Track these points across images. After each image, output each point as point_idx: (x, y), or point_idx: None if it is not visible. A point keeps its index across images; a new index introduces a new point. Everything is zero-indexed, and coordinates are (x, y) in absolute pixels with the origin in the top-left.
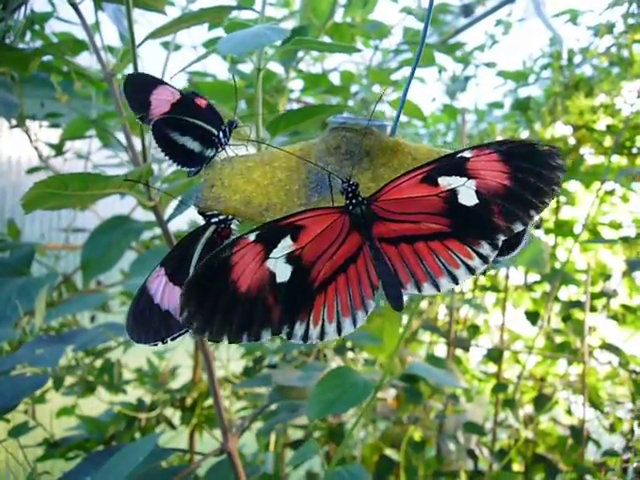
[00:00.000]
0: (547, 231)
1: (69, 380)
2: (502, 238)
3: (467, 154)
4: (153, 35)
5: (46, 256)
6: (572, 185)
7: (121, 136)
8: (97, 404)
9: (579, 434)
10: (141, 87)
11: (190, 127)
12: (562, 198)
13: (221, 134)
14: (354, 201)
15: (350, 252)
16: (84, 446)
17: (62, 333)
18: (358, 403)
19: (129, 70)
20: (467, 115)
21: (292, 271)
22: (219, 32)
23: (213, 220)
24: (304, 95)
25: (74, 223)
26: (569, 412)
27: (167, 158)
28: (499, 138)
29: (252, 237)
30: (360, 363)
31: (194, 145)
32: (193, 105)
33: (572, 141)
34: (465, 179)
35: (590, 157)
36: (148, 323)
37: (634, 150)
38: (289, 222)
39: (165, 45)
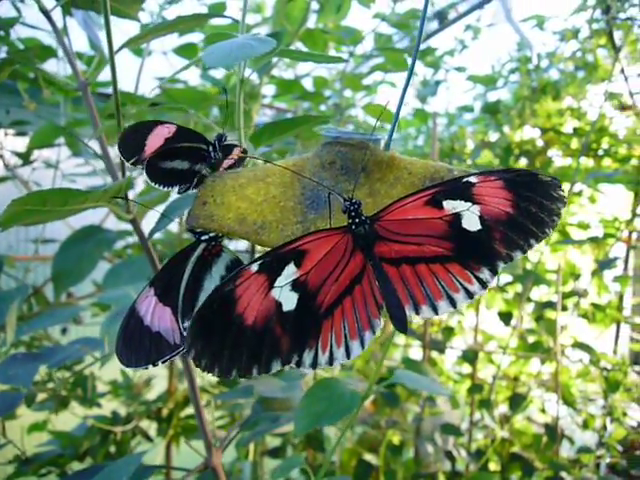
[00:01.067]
0: None
1: (41, 395)
2: (502, 264)
3: (473, 179)
4: (129, 43)
5: (15, 268)
6: None
7: (94, 144)
8: (69, 418)
9: (553, 432)
10: (137, 136)
11: (179, 151)
12: None
13: (211, 148)
14: (357, 220)
15: (355, 272)
16: (57, 462)
17: (37, 351)
18: (346, 414)
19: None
20: (438, 119)
21: (298, 298)
22: (190, 38)
23: (203, 238)
24: (277, 101)
25: (44, 233)
26: (543, 410)
27: (156, 185)
28: (469, 141)
29: (255, 267)
30: (336, 368)
31: (183, 164)
32: (187, 134)
33: (540, 143)
34: (470, 204)
35: (558, 159)
36: (138, 346)
37: (600, 152)
38: (291, 248)
39: (138, 52)
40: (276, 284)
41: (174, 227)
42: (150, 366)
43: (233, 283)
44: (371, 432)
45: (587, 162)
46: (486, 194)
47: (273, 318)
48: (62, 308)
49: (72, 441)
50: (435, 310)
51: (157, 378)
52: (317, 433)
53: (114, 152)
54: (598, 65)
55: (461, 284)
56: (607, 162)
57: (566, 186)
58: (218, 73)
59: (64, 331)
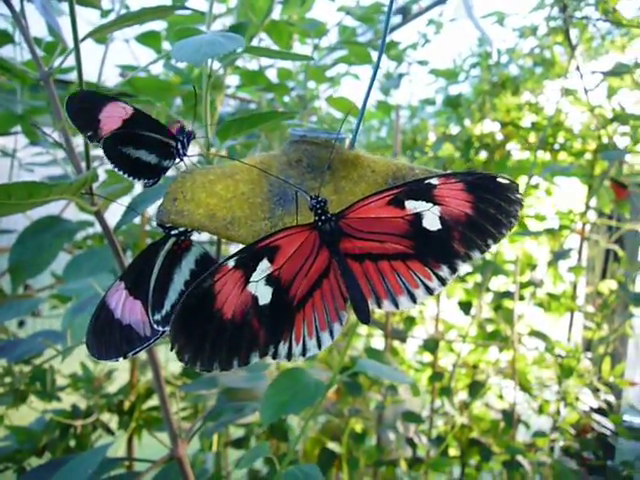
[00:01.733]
0: None
1: None
2: (460, 263)
3: (434, 181)
4: (94, 33)
5: None
6: None
7: (54, 134)
8: (27, 413)
9: (510, 417)
10: (87, 106)
11: (144, 140)
12: None
13: (179, 145)
14: (323, 218)
15: (322, 267)
16: (15, 458)
17: (2, 345)
18: (311, 404)
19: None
20: (400, 111)
21: (272, 292)
22: (152, 25)
23: (173, 232)
24: (240, 91)
25: (0, 224)
26: (500, 397)
27: (122, 173)
28: (431, 134)
29: (231, 263)
30: (301, 358)
31: (150, 157)
32: (147, 119)
33: (500, 137)
34: (431, 205)
35: (516, 152)
36: (109, 339)
37: (556, 146)
38: (264, 244)
39: (101, 40)
40: (252, 279)
41: (136, 219)
42: (121, 358)
43: (212, 278)
44: (334, 421)
45: (544, 156)
46: (447, 195)
47: (250, 312)
48: (20, 301)
49: (30, 436)
50: (396, 304)
51: (118, 371)
52: (281, 423)
53: (76, 143)
54: (555, 62)
55: (421, 280)
56: (563, 156)
57: (524, 179)
58: (181, 63)
59: (21, 324)
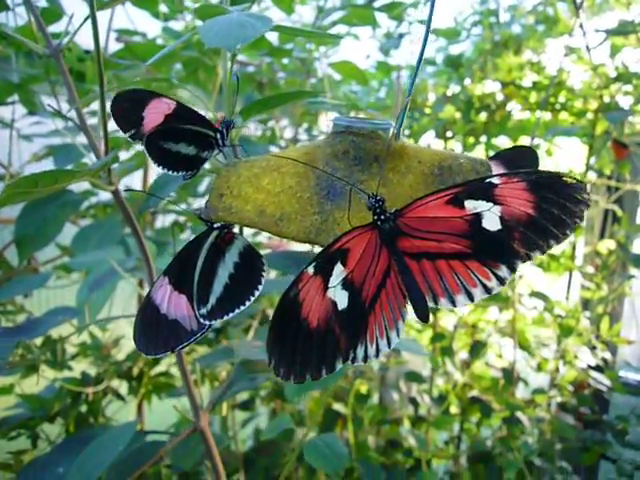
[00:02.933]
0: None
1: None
2: (520, 263)
3: (495, 180)
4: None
5: None
6: (500, 140)
7: (52, 102)
8: (34, 381)
9: (510, 375)
10: (133, 105)
11: (184, 133)
12: (491, 153)
13: (218, 135)
14: (382, 217)
15: (385, 267)
16: (27, 425)
17: (18, 325)
18: (333, 381)
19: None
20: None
21: (348, 296)
22: None
23: (215, 225)
24: (241, 54)
25: None
26: (500, 355)
27: (161, 168)
28: (431, 94)
29: (311, 270)
30: None
31: (189, 150)
32: (188, 112)
33: (500, 97)
34: (491, 204)
35: (517, 113)
36: (156, 334)
37: (557, 106)
38: (337, 247)
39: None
40: (330, 284)
41: (138, 186)
42: (169, 353)
43: (296, 287)
44: (339, 382)
45: (544, 115)
46: (508, 195)
47: (332, 318)
48: (31, 275)
49: (42, 403)
50: (453, 303)
51: (125, 338)
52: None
53: (91, 122)
54: (558, 19)
55: (479, 279)
56: (563, 116)
57: (526, 139)
58: (178, 25)
59: (26, 294)
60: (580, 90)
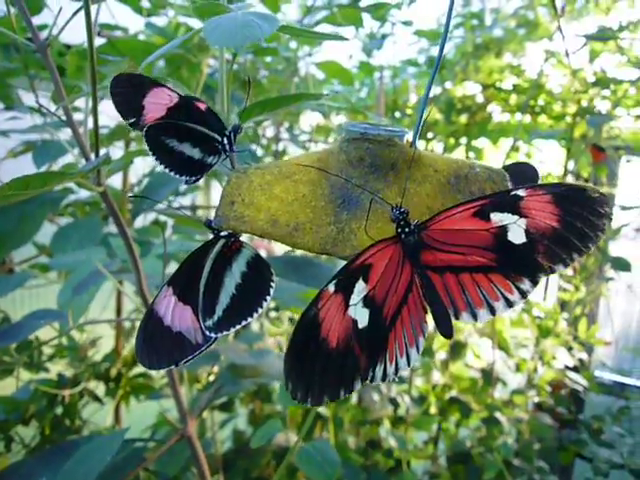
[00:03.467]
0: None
1: None
2: (543, 276)
3: (521, 193)
4: None
5: None
6: (480, 142)
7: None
8: (9, 383)
9: (489, 375)
10: (132, 90)
11: (189, 132)
12: (471, 154)
13: (225, 140)
14: (407, 230)
15: (407, 281)
16: (1, 427)
17: (4, 330)
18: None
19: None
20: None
21: (369, 313)
22: None
23: (222, 234)
24: (226, 53)
25: None
26: (478, 356)
27: (162, 167)
28: (412, 95)
29: (332, 288)
30: (285, 322)
31: (194, 152)
32: (193, 108)
33: (481, 99)
34: (517, 217)
35: (497, 115)
36: (160, 347)
37: (537, 109)
38: (359, 263)
39: None
40: (351, 302)
41: (117, 183)
42: (173, 366)
43: (316, 306)
44: None
45: (524, 118)
46: (533, 208)
47: (352, 337)
48: (9, 276)
49: (16, 406)
50: (475, 317)
51: (103, 338)
52: (264, 386)
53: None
54: (538, 23)
55: (502, 293)
56: (542, 119)
57: (507, 142)
58: (161, 21)
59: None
60: (559, 94)
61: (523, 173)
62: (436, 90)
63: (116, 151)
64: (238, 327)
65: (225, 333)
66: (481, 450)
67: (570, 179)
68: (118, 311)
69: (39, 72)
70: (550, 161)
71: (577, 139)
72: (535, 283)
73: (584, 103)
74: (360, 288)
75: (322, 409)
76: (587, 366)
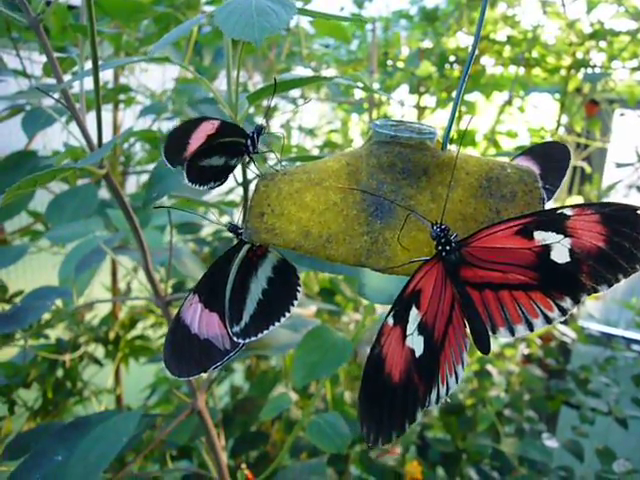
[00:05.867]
0: (450, 141)
1: None
2: (585, 295)
3: (568, 212)
4: None
5: None
6: (473, 95)
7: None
8: (7, 348)
9: None
10: (182, 134)
11: (218, 147)
12: (463, 108)
13: (249, 141)
14: (448, 248)
15: (450, 300)
16: (2, 391)
17: (6, 313)
18: (341, 363)
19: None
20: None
21: (424, 340)
22: None
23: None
24: (213, 5)
25: None
26: None
27: (194, 185)
28: (404, 48)
29: (391, 321)
30: None
31: (220, 161)
32: (228, 128)
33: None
34: (562, 236)
35: (490, 68)
36: (188, 355)
37: (531, 62)
38: (410, 290)
39: None
40: (407, 332)
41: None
42: (202, 373)
43: (379, 344)
44: None
45: (518, 70)
46: (580, 227)
47: (411, 367)
48: (7, 248)
49: (17, 370)
50: (512, 333)
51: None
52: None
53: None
54: None
55: (541, 311)
56: (536, 71)
57: (503, 95)
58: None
59: None
60: (553, 46)
61: (549, 155)
62: (429, 43)
63: (105, 114)
64: (266, 332)
65: (253, 339)
66: (473, 401)
67: (563, 132)
68: (113, 274)
69: (23, 35)
70: (543, 114)
71: (571, 93)
72: (577, 302)
73: (579, 55)
74: (414, 315)
75: None
76: (575, 318)
